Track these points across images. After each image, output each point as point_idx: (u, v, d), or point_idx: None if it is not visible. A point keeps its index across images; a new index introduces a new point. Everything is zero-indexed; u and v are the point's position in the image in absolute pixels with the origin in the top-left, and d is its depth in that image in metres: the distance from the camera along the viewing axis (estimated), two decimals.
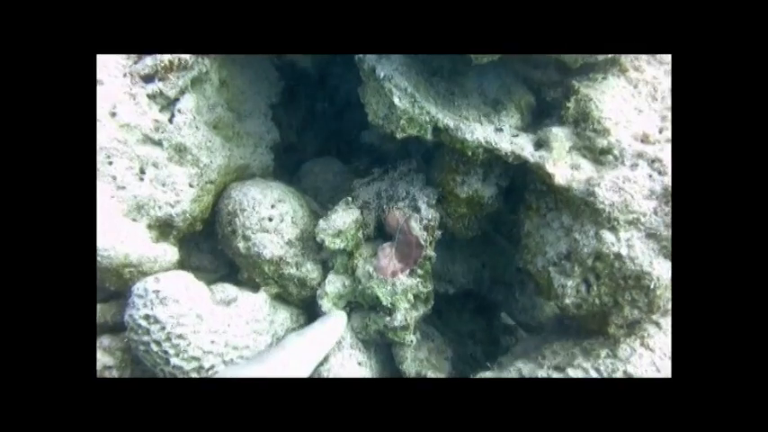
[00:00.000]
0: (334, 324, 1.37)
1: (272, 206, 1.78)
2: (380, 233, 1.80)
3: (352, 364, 1.70)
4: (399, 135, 1.53)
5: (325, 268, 1.83)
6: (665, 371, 1.45)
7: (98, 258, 1.44)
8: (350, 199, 1.76)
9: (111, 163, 1.51)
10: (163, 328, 1.43)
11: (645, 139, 1.42)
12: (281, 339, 1.23)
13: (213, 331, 1.49)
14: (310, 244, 1.83)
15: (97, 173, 1.49)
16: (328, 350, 1.37)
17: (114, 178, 1.51)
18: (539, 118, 1.65)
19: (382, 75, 1.48)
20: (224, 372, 1.11)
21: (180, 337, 1.44)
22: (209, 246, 1.98)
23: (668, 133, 1.44)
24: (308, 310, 1.90)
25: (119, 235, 1.47)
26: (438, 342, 2.00)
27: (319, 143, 2.65)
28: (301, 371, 1.21)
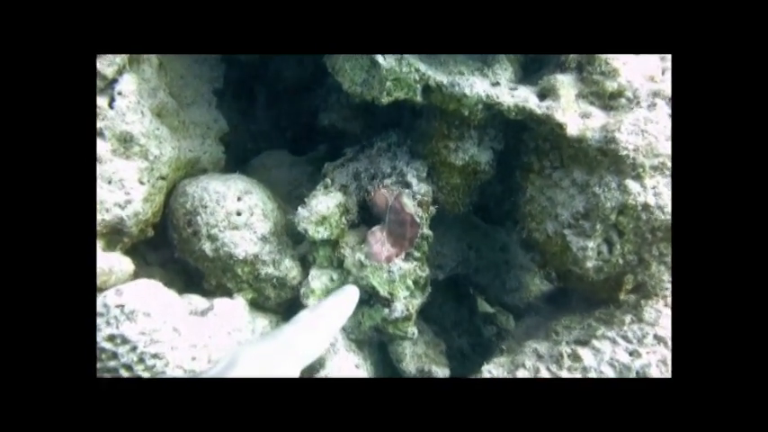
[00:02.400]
0: (349, 294, 1.20)
1: (239, 198, 1.55)
2: (364, 218, 1.61)
3: (350, 367, 1.50)
4: (385, 99, 1.35)
5: (305, 264, 1.62)
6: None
7: None
8: (329, 181, 1.56)
9: None
10: (134, 349, 1.18)
11: (652, 80, 1.31)
12: (292, 318, 1.09)
13: (193, 345, 1.25)
14: (284, 239, 1.61)
15: None
16: (344, 322, 1.22)
17: None
18: (526, 71, 1.51)
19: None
20: (237, 350, 0.98)
21: (155, 356, 1.19)
22: (158, 257, 1.73)
23: (670, 74, 1.34)
24: (288, 316, 1.68)
25: None
26: (431, 335, 1.84)
27: (267, 133, 2.44)
28: (318, 344, 1.07)
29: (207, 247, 1.50)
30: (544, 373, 1.37)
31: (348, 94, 1.46)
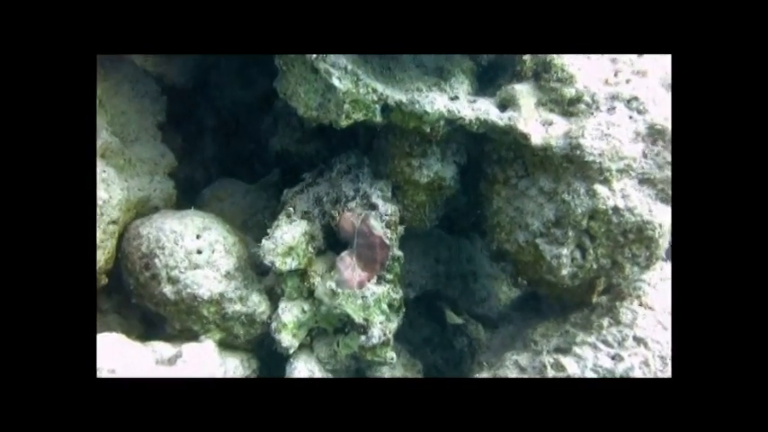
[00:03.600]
0: None
1: (198, 236, 1.48)
2: (330, 244, 1.56)
3: None
4: (344, 122, 1.32)
5: (272, 297, 1.56)
6: (669, 326, 1.37)
7: None
8: (291, 210, 1.51)
9: None
10: None
11: (606, 83, 1.32)
12: None
13: None
14: (249, 273, 1.55)
15: None
16: None
17: None
18: (481, 81, 1.51)
19: (315, 55, 1.26)
20: None
21: None
22: (113, 304, 1.63)
23: (624, 76, 1.36)
24: (258, 352, 1.61)
25: None
26: (407, 356, 1.80)
27: (215, 162, 2.36)
28: None
29: (168, 290, 1.42)
30: None
31: (302, 118, 1.42)
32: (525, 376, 1.42)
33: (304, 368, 1.44)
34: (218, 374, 1.35)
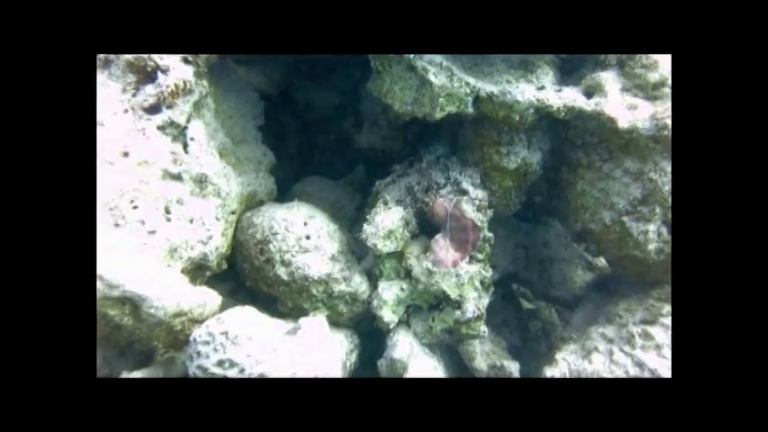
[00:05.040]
0: None
1: (305, 223, 1.64)
2: (422, 229, 1.70)
3: (429, 369, 1.58)
4: (438, 114, 1.45)
5: (370, 278, 1.70)
6: None
7: (151, 311, 1.26)
8: (387, 198, 1.65)
9: (135, 207, 1.33)
10: (242, 371, 1.26)
11: None
12: None
13: (292, 363, 1.33)
14: (350, 256, 1.70)
15: (123, 220, 1.31)
16: None
17: (143, 223, 1.34)
18: (562, 72, 1.61)
19: (413, 54, 1.40)
20: None
21: (262, 375, 1.27)
22: (225, 288, 1.81)
23: None
24: (357, 329, 1.76)
25: (164, 284, 1.30)
26: (492, 334, 1.91)
27: (299, 160, 2.53)
28: None
29: (282, 271, 1.59)
30: (618, 355, 1.44)
31: (397, 114, 1.55)
32: (612, 347, 1.51)
33: (404, 341, 1.57)
34: (332, 344, 1.50)
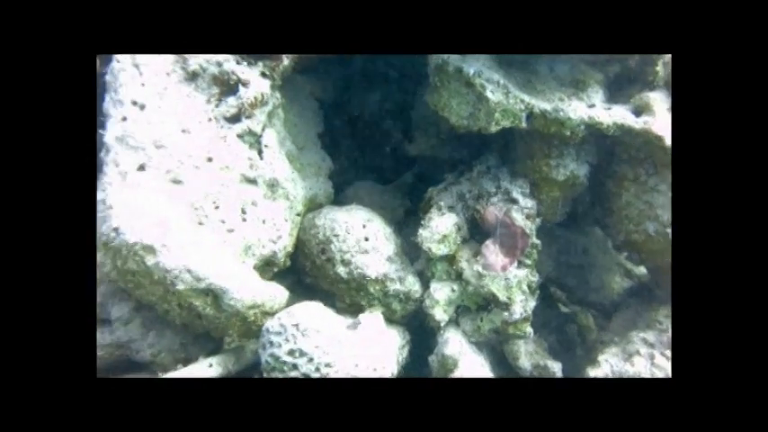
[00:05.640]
0: None
1: (364, 226, 1.76)
2: (473, 234, 1.80)
3: (477, 367, 1.68)
4: (493, 128, 1.56)
5: (421, 279, 1.82)
6: None
7: (230, 303, 1.40)
8: (441, 204, 1.76)
9: (217, 207, 1.47)
10: (311, 360, 1.38)
11: None
12: None
13: (354, 355, 1.45)
14: (404, 258, 1.82)
15: (206, 219, 1.46)
16: None
17: (223, 222, 1.48)
18: (610, 90, 1.70)
19: (472, 72, 1.51)
20: None
21: (328, 365, 1.40)
22: (286, 284, 1.94)
23: None
24: (409, 326, 1.88)
25: (241, 278, 1.44)
26: (534, 335, 2.01)
27: (350, 166, 2.66)
28: None
29: (341, 270, 1.71)
30: (659, 359, 1.53)
31: (453, 127, 1.67)
32: (653, 351, 1.59)
33: (455, 339, 1.69)
34: (388, 339, 1.62)
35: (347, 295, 1.76)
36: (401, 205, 2.34)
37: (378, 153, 2.71)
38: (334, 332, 1.45)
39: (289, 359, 1.39)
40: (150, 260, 1.32)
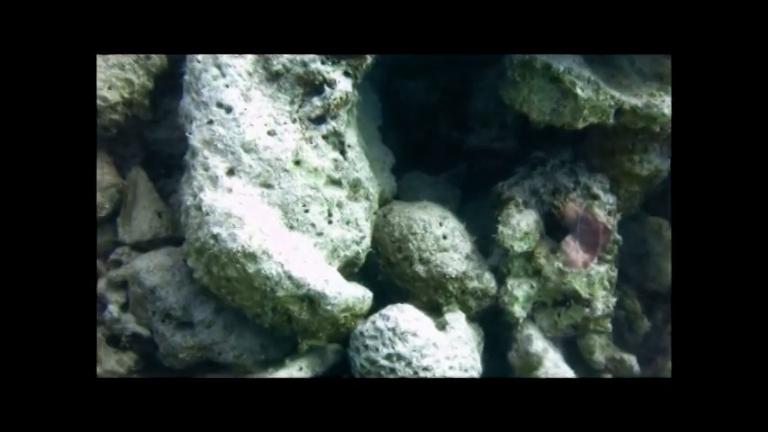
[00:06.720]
0: None
1: (440, 224, 1.75)
2: (548, 230, 1.79)
3: (559, 363, 1.69)
4: (580, 124, 1.54)
5: (497, 275, 1.81)
6: None
7: (327, 308, 1.39)
8: (519, 201, 1.75)
9: (307, 211, 1.46)
10: (409, 364, 1.39)
11: None
12: None
13: (447, 357, 1.46)
14: (480, 255, 1.81)
15: (297, 223, 1.44)
16: None
17: (313, 225, 1.47)
18: None
19: (561, 68, 1.49)
20: None
21: (426, 369, 1.40)
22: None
23: None
24: (482, 323, 1.88)
25: (336, 282, 1.43)
26: None
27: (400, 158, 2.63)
28: None
29: (420, 269, 1.71)
30: None
31: (533, 122, 1.65)
32: None
33: (538, 336, 1.69)
34: (474, 341, 1.62)
35: (424, 294, 1.75)
36: (454, 197, 2.32)
37: (425, 143, 2.68)
38: (430, 334, 1.45)
39: (386, 363, 1.39)
40: (251, 267, 1.32)
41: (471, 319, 1.82)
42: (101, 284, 1.69)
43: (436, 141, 2.63)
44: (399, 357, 1.39)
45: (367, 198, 1.64)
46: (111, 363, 1.57)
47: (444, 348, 1.46)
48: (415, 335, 1.41)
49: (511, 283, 1.74)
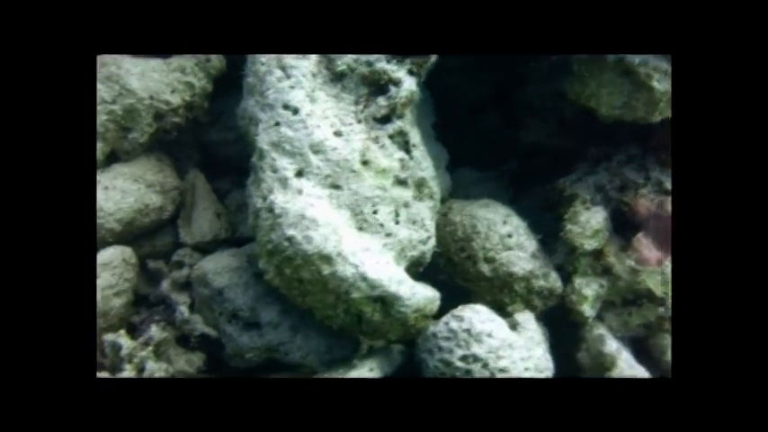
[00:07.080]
0: None
1: (504, 222, 1.72)
2: (615, 227, 1.74)
3: (633, 364, 1.64)
4: (655, 119, 1.49)
5: (562, 274, 1.77)
6: None
7: (401, 309, 1.37)
8: (586, 198, 1.70)
9: (376, 212, 1.44)
10: (485, 366, 1.36)
11: None
12: None
13: (521, 358, 1.42)
14: (545, 253, 1.77)
15: (366, 224, 1.42)
16: None
17: (382, 226, 1.45)
18: None
19: (637, 61, 1.44)
20: None
21: (502, 370, 1.37)
22: None
23: None
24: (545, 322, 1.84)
25: (409, 284, 1.41)
26: None
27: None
28: None
29: (485, 268, 1.67)
30: None
31: (602, 117, 1.60)
32: None
33: (610, 336, 1.64)
34: (542, 337, 1.59)
35: (488, 293, 1.72)
36: (505, 194, 2.28)
37: (473, 139, 2.64)
38: (505, 335, 1.42)
39: (461, 365, 1.37)
40: (326, 270, 1.30)
41: (537, 318, 1.78)
42: (165, 285, 1.71)
43: (485, 137, 2.59)
44: (475, 359, 1.36)
45: (431, 197, 1.61)
46: (181, 363, 1.58)
47: (519, 349, 1.42)
48: (490, 336, 1.38)
49: (579, 281, 1.69)
